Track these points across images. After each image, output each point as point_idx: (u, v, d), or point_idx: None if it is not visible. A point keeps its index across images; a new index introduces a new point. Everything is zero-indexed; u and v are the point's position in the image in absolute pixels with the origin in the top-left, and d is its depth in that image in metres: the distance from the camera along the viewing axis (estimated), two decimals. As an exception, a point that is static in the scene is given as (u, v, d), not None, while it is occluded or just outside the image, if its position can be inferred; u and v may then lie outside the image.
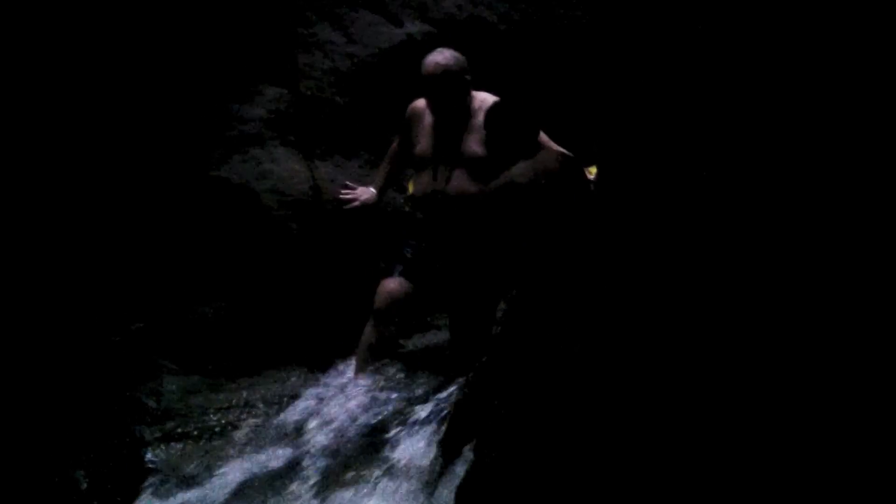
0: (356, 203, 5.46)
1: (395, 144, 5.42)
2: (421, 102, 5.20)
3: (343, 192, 5.51)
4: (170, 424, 5.06)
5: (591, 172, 4.97)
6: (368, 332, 5.17)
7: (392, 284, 5.17)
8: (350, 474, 4.45)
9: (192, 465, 4.82)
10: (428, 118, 5.15)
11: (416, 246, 5.23)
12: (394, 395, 4.94)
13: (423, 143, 5.15)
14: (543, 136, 5.03)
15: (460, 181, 5.04)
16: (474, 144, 5.03)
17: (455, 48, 5.15)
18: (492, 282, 5.09)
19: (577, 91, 5.76)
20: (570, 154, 5.05)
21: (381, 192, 5.52)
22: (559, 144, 5.03)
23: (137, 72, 5.47)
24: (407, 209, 5.51)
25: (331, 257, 5.52)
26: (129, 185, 5.40)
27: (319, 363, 5.37)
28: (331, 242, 5.49)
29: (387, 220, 5.66)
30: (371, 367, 5.14)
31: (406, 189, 5.54)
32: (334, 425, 4.84)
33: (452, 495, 3.85)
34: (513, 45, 6.01)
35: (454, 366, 4.98)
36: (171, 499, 4.62)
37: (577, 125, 5.22)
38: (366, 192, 5.50)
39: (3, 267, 5.19)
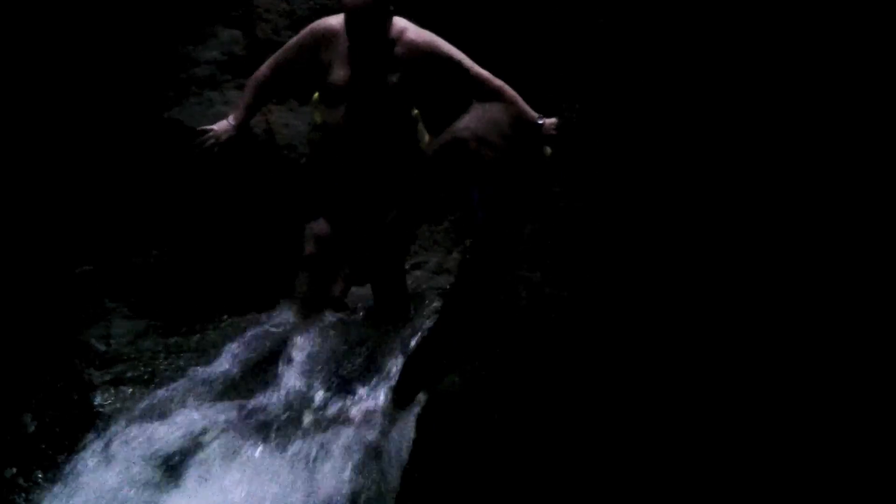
0: (211, 141, 4.99)
1: (263, 70, 5.08)
2: (332, 23, 4.97)
3: (200, 136, 5.05)
4: (119, 368, 5.01)
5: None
6: (302, 280, 5.08)
7: (319, 227, 5.05)
8: (303, 420, 4.43)
9: (140, 409, 4.77)
10: (343, 44, 4.90)
11: (326, 180, 5.10)
12: (337, 344, 4.90)
13: (339, 72, 4.92)
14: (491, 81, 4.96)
15: (380, 113, 4.94)
16: (392, 76, 4.90)
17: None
18: (405, 216, 5.04)
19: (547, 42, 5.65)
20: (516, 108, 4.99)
21: (242, 124, 5.07)
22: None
23: (89, 11, 5.39)
24: (312, 138, 5.22)
25: (282, 200, 5.45)
26: (81, 126, 5.33)
27: (268, 306, 5.31)
28: (284, 186, 5.42)
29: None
30: (310, 318, 5.04)
31: (314, 116, 5.25)
32: (284, 371, 4.82)
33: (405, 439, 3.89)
34: None
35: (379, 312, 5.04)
36: (119, 443, 4.57)
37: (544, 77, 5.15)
38: (224, 129, 5.02)
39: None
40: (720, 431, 2.90)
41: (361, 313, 5.14)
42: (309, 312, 5.04)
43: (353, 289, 5.30)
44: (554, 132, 4.81)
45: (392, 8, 4.86)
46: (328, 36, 4.94)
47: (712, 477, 2.87)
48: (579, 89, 4.42)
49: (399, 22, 4.93)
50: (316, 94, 5.08)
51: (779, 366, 2.89)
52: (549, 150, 4.87)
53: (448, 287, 5.09)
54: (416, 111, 5.12)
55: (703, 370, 2.99)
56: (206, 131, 5.03)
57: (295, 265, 5.10)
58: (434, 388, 3.75)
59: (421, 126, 5.18)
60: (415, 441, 3.63)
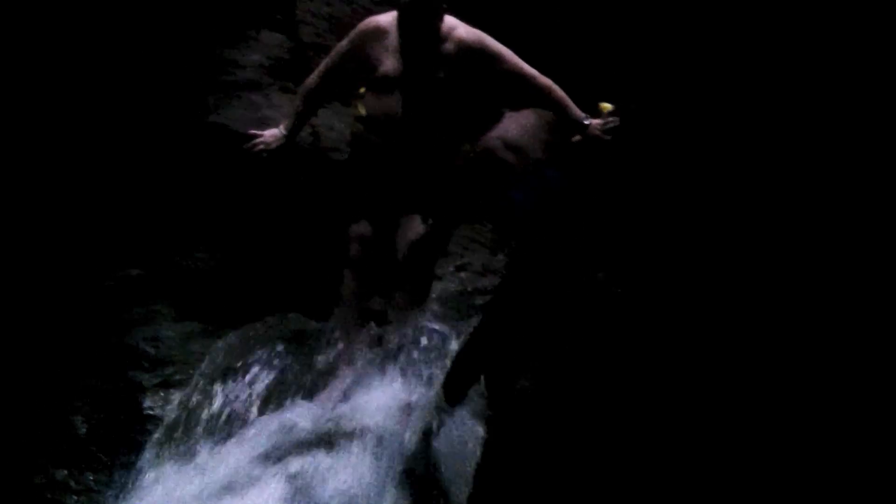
0: (261, 147, 5.05)
1: (313, 79, 5.12)
2: (380, 20, 5.01)
3: (250, 139, 5.09)
4: (167, 370, 5.03)
5: (604, 108, 4.91)
6: (348, 283, 5.08)
7: (361, 229, 5.06)
8: (354, 418, 4.43)
9: (190, 413, 4.78)
10: (393, 39, 4.95)
11: (367, 175, 5.08)
12: (382, 346, 4.90)
13: (389, 65, 4.94)
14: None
15: (427, 107, 4.94)
16: (442, 72, 4.91)
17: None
18: (446, 211, 5.06)
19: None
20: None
21: (292, 132, 5.12)
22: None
23: (136, 17, 5.43)
24: (355, 131, 5.20)
25: (327, 201, 5.45)
26: (128, 130, 5.37)
27: (318, 310, 5.31)
28: (329, 189, 5.42)
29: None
30: (355, 320, 5.06)
31: (356, 109, 5.21)
32: (331, 372, 4.83)
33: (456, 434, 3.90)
34: None
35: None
36: (170, 445, 4.60)
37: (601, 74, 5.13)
38: (273, 136, 5.09)
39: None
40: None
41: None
42: (354, 314, 5.05)
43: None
44: (600, 132, 4.82)
45: (444, 6, 4.91)
46: (377, 32, 4.97)
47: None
48: (632, 89, 4.43)
49: (450, 20, 4.95)
50: (362, 89, 5.09)
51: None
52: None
53: (493, 287, 5.10)
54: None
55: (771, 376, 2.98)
56: (257, 136, 5.07)
57: (339, 267, 5.10)
58: (505, 389, 3.75)
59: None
60: (486, 441, 3.64)
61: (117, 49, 5.43)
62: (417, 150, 4.97)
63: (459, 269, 5.56)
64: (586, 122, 4.85)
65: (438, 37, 4.90)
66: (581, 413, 3.23)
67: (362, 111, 5.08)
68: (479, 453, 4.02)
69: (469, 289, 5.37)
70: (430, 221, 4.98)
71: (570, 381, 3.34)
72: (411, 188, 5.01)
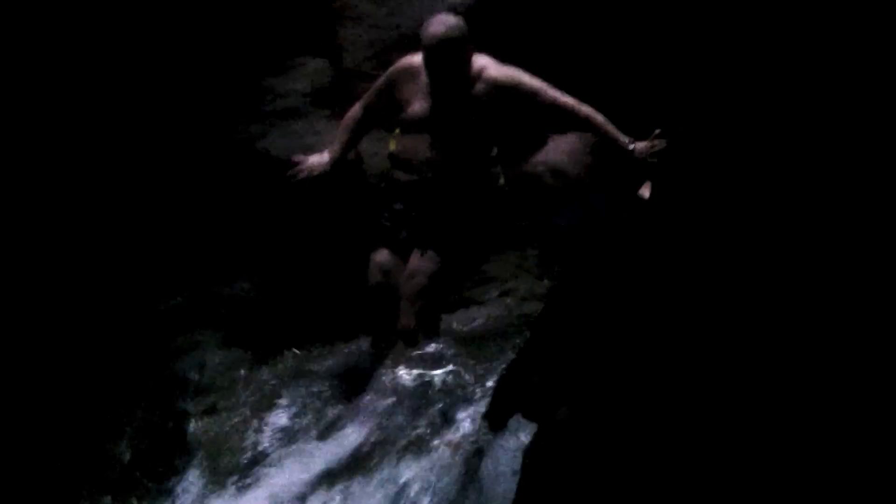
0: (304, 174, 5.09)
1: (356, 109, 5.16)
2: (413, 60, 4.98)
3: (293, 165, 5.12)
4: (212, 397, 5.05)
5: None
6: (372, 312, 5.11)
7: (382, 257, 5.06)
8: (394, 446, 4.42)
9: (235, 440, 4.80)
10: (423, 78, 4.92)
11: (396, 212, 5.07)
12: (420, 373, 4.89)
13: (417, 106, 4.94)
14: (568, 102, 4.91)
15: (456, 149, 4.92)
16: (473, 114, 4.87)
17: (497, 20, 5.07)
18: (469, 251, 5.06)
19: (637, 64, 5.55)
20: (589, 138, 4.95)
21: (337, 160, 5.15)
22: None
23: (177, 44, 5.47)
24: (385, 168, 5.23)
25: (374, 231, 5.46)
26: (171, 159, 5.40)
27: (356, 335, 5.35)
28: (374, 216, 5.42)
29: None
30: (386, 348, 5.08)
31: (388, 146, 5.22)
32: (370, 401, 4.83)
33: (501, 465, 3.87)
34: (559, 15, 5.83)
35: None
36: (215, 472, 4.61)
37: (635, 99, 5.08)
38: (317, 161, 5.12)
39: (44, 240, 5.20)
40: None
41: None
42: (383, 343, 5.08)
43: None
44: (646, 155, 4.79)
45: (471, 45, 4.86)
46: (409, 72, 4.97)
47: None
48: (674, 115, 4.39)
49: (480, 59, 4.90)
50: (397, 130, 5.10)
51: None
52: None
53: (537, 314, 5.07)
54: (495, 150, 5.10)
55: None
56: (300, 161, 5.11)
57: (363, 298, 5.12)
58: (542, 422, 3.72)
59: (498, 168, 5.17)
60: (522, 474, 3.61)
61: (164, 79, 5.47)
62: (443, 190, 4.96)
63: (503, 294, 5.54)
64: (630, 147, 4.82)
65: (468, 78, 4.86)
66: (620, 447, 3.19)
67: (392, 147, 5.10)
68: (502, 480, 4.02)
69: (514, 314, 5.34)
70: (432, 255, 4.95)
71: (610, 415, 3.30)
72: (432, 225, 5.00)
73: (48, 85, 5.32)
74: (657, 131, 4.77)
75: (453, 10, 5.45)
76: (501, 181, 5.10)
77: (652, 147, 4.78)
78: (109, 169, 5.38)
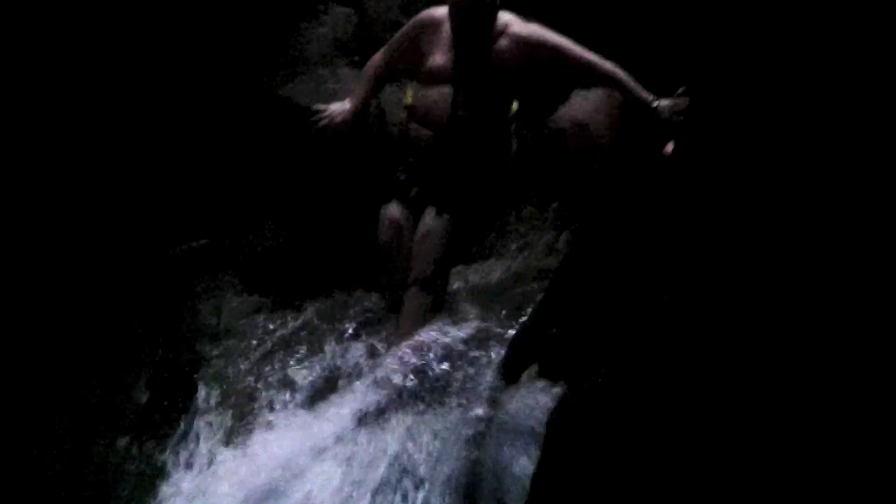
0: (326, 122, 5.07)
1: (378, 57, 5.13)
2: (436, 13, 4.95)
3: (316, 113, 5.10)
4: (230, 342, 5.07)
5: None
6: (384, 268, 5.05)
7: (394, 211, 5.00)
8: (412, 399, 4.43)
9: (251, 385, 4.82)
10: (446, 32, 4.88)
11: (410, 167, 5.04)
12: (444, 325, 4.87)
13: (439, 58, 4.89)
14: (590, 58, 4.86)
15: (475, 105, 4.85)
16: (495, 71, 4.82)
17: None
18: (481, 211, 4.97)
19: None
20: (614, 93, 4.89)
21: (359, 109, 5.13)
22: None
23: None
24: (401, 120, 5.19)
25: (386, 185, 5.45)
26: (196, 104, 5.40)
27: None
28: (388, 170, 5.41)
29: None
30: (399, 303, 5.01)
31: (403, 97, 5.24)
32: (394, 353, 4.83)
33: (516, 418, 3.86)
34: None
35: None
36: (230, 416, 4.64)
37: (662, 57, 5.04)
38: (339, 109, 5.10)
39: (68, 182, 5.21)
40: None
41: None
42: (397, 299, 5.01)
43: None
44: (670, 113, 4.75)
45: (497, 3, 4.83)
46: (432, 24, 4.93)
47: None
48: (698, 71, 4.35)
49: (504, 16, 4.87)
50: (415, 81, 5.07)
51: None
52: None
53: (556, 268, 5.07)
54: (515, 106, 5.02)
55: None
56: (322, 110, 5.08)
57: (374, 253, 5.07)
58: (565, 385, 3.72)
59: (514, 128, 5.08)
60: (545, 443, 3.60)
61: (191, 24, 5.46)
62: (459, 146, 4.89)
63: (522, 248, 5.54)
64: (654, 105, 4.78)
65: (491, 33, 4.82)
66: (644, 417, 3.17)
67: (408, 100, 5.05)
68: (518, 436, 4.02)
69: (532, 267, 5.34)
70: (447, 216, 4.88)
71: (635, 386, 3.28)
72: (446, 182, 4.94)
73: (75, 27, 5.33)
74: (681, 89, 4.73)
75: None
76: (515, 147, 5.04)
77: (675, 105, 4.74)
78: (137, 112, 5.39)
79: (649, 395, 3.19)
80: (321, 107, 5.10)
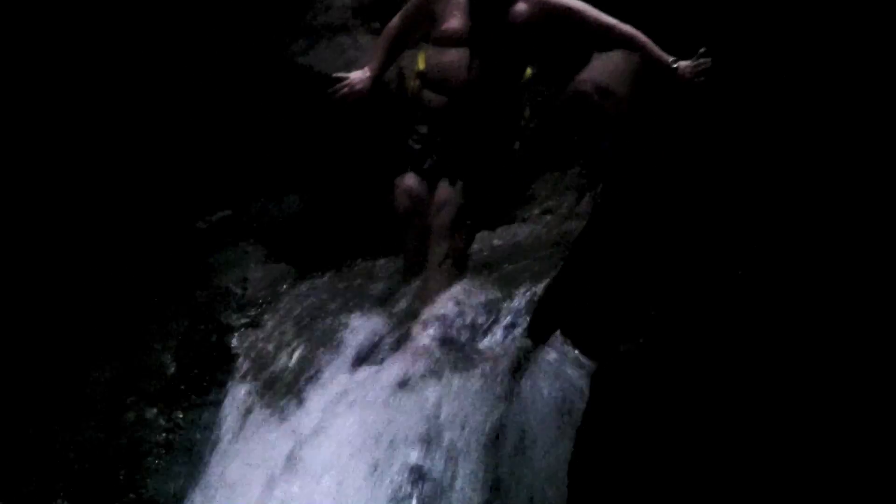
0: (346, 90, 5.02)
1: (394, 22, 5.08)
2: None
3: (336, 81, 5.06)
4: (255, 311, 5.09)
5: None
6: (403, 238, 5.04)
7: (409, 181, 4.96)
8: (439, 364, 4.43)
9: (278, 354, 4.83)
10: None
11: (423, 136, 4.99)
12: (459, 291, 4.88)
13: (454, 21, 4.82)
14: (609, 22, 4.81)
15: (491, 70, 4.80)
16: (511, 35, 4.77)
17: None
18: (491, 172, 4.92)
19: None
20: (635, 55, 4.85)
21: (379, 75, 5.10)
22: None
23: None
24: (413, 84, 5.09)
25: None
26: (216, 75, 5.40)
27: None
28: (402, 139, 5.39)
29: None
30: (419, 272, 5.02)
31: (414, 63, 5.17)
32: (420, 318, 4.84)
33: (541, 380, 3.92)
34: None
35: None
36: (257, 385, 4.66)
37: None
38: (358, 77, 5.05)
39: (97, 158, 5.24)
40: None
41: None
42: (417, 266, 5.01)
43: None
44: (691, 74, 4.72)
45: None
46: None
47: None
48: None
49: None
50: (427, 47, 5.01)
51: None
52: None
53: (579, 231, 5.06)
54: (529, 71, 4.97)
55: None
56: (342, 79, 5.05)
57: (391, 226, 5.07)
58: (611, 351, 3.72)
59: (526, 96, 5.05)
60: (589, 401, 3.62)
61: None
62: (473, 112, 4.84)
63: (545, 212, 5.54)
64: (674, 66, 4.75)
65: None
66: (688, 381, 3.18)
67: (420, 65, 4.99)
68: (577, 414, 4.02)
69: (554, 232, 5.33)
70: (461, 185, 4.85)
71: (678, 349, 3.29)
72: (459, 149, 4.91)
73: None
74: (702, 50, 4.70)
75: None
76: (528, 113, 5.01)
77: (697, 66, 4.71)
78: (160, 85, 5.40)
79: (693, 368, 3.21)
80: (341, 75, 5.07)
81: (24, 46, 5.25)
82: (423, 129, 4.97)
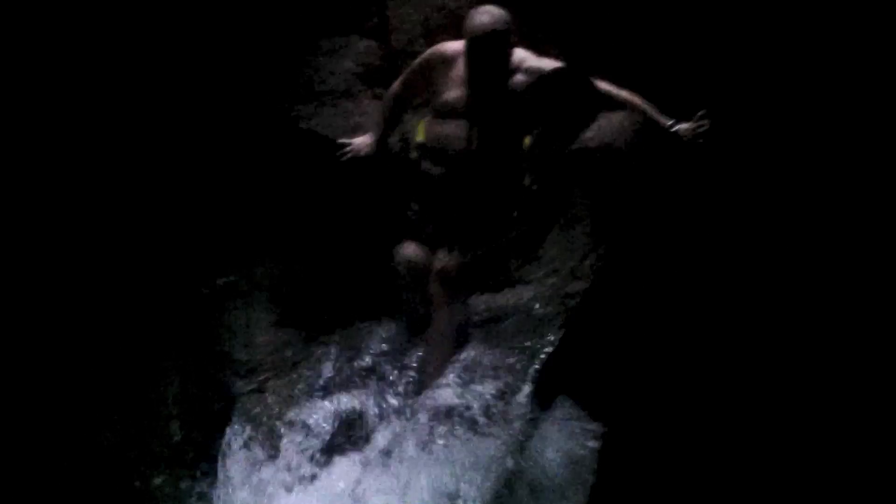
0: (350, 155, 5.19)
1: (395, 87, 5.18)
2: (447, 48, 4.97)
3: (341, 147, 5.23)
4: (261, 377, 5.10)
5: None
6: (405, 304, 5.12)
7: (407, 250, 5.04)
8: (450, 424, 4.47)
9: (284, 420, 4.85)
10: (460, 67, 4.89)
11: (424, 204, 5.07)
12: (478, 352, 4.90)
13: (454, 93, 4.91)
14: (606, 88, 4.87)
15: (490, 140, 4.87)
16: (510, 106, 4.85)
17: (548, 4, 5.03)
18: (489, 241, 4.98)
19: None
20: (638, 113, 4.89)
21: (382, 140, 5.21)
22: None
23: (228, 24, 5.52)
24: (413, 156, 5.21)
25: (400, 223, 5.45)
26: (222, 140, 5.45)
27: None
28: (401, 208, 5.40)
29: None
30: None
31: (414, 134, 5.27)
32: (427, 381, 4.86)
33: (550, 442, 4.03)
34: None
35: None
36: (262, 451, 4.68)
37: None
38: (363, 143, 5.21)
39: (97, 223, 5.28)
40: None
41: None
42: (420, 332, 5.08)
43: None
44: (691, 136, 4.76)
45: (514, 39, 4.85)
46: (443, 59, 4.96)
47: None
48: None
49: (520, 52, 4.90)
50: (426, 118, 5.11)
51: None
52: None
53: (584, 292, 5.08)
54: (528, 140, 5.01)
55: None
56: (346, 144, 5.16)
57: (394, 290, 5.14)
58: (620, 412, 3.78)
59: (526, 163, 5.08)
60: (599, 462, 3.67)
61: (215, 58, 5.52)
62: (472, 183, 4.91)
63: (550, 273, 5.53)
64: (674, 129, 4.79)
65: (507, 68, 4.84)
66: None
67: (420, 137, 5.07)
68: (591, 465, 4.05)
69: (559, 292, 5.34)
70: (458, 253, 4.92)
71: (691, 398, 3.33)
72: (458, 218, 4.97)
73: (104, 71, 5.41)
74: (701, 112, 4.75)
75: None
76: (528, 181, 5.04)
77: (697, 128, 4.75)
78: (163, 148, 5.44)
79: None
80: (345, 141, 5.18)
81: (46, 108, 5.34)
82: (422, 201, 5.05)
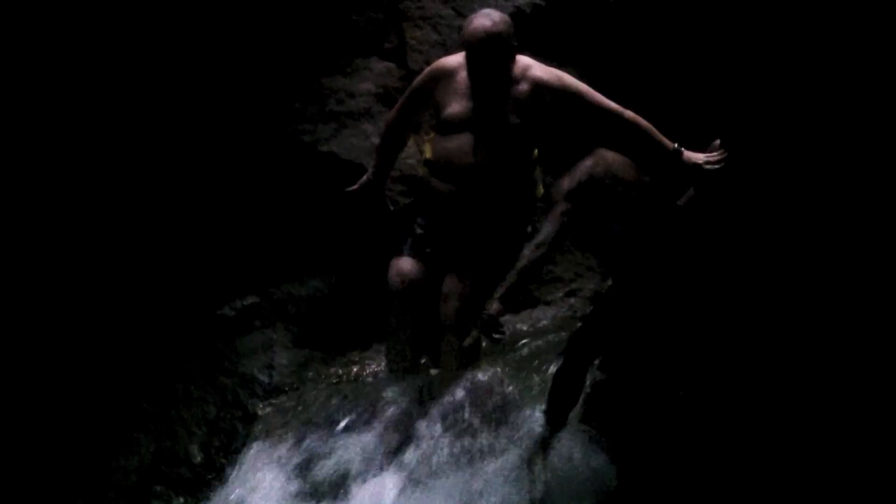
0: (356, 198, 5.17)
1: (391, 114, 5.11)
2: (448, 61, 4.90)
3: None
4: (282, 398, 5.12)
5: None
6: (397, 324, 4.99)
7: (404, 265, 4.94)
8: (466, 450, 4.45)
9: (305, 438, 4.85)
10: (462, 79, 4.79)
11: (429, 219, 4.97)
12: (496, 373, 4.88)
13: (457, 107, 4.78)
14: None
15: (498, 152, 4.76)
16: (516, 115, 4.75)
17: (565, 22, 5.01)
18: (503, 259, 4.79)
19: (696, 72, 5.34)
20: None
21: (379, 170, 5.14)
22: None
23: (247, 46, 5.56)
24: (420, 174, 5.11)
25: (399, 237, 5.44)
26: (241, 163, 5.48)
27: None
28: (406, 223, 5.34)
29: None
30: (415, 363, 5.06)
31: (422, 151, 5.25)
32: (446, 405, 4.84)
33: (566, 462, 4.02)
34: (625, 18, 5.70)
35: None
36: (283, 472, 4.68)
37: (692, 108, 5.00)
38: (362, 184, 5.16)
39: (121, 247, 5.32)
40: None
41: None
42: (414, 358, 5.05)
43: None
44: (706, 165, 4.70)
45: (515, 44, 4.78)
46: (445, 73, 4.86)
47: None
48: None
49: (523, 60, 4.81)
50: (432, 135, 5.02)
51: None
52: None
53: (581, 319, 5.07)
54: (535, 152, 4.96)
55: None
56: (352, 192, 5.15)
57: (386, 307, 5.04)
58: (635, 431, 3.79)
59: (538, 173, 5.03)
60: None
61: (235, 80, 5.56)
62: (482, 197, 4.80)
63: (569, 294, 5.55)
64: (677, 152, 4.72)
65: (510, 78, 4.75)
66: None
67: (427, 154, 4.99)
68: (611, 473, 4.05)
69: (579, 314, 5.34)
70: (468, 274, 4.81)
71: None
72: (467, 238, 4.88)
73: (122, 98, 5.46)
74: (717, 142, 4.70)
75: (521, 11, 5.46)
76: (541, 190, 5.02)
77: (710, 158, 4.68)
78: (182, 171, 5.48)
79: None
80: (351, 189, 5.17)
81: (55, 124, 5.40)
82: (430, 217, 4.96)
